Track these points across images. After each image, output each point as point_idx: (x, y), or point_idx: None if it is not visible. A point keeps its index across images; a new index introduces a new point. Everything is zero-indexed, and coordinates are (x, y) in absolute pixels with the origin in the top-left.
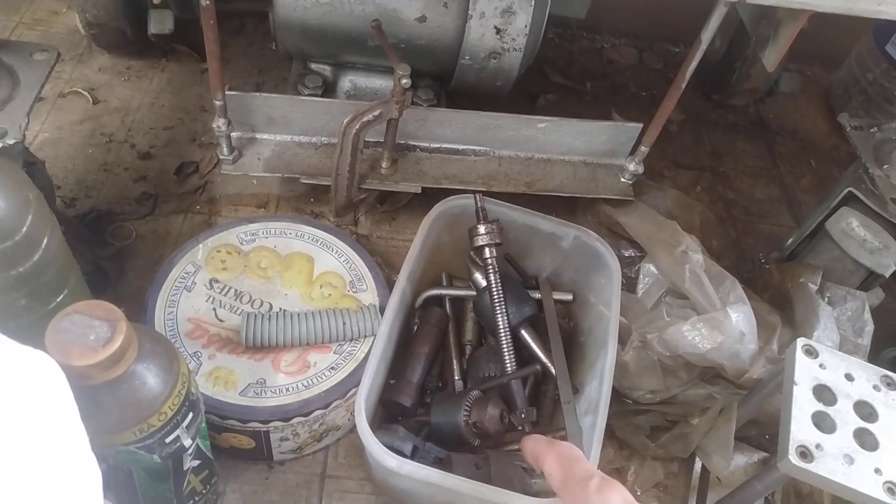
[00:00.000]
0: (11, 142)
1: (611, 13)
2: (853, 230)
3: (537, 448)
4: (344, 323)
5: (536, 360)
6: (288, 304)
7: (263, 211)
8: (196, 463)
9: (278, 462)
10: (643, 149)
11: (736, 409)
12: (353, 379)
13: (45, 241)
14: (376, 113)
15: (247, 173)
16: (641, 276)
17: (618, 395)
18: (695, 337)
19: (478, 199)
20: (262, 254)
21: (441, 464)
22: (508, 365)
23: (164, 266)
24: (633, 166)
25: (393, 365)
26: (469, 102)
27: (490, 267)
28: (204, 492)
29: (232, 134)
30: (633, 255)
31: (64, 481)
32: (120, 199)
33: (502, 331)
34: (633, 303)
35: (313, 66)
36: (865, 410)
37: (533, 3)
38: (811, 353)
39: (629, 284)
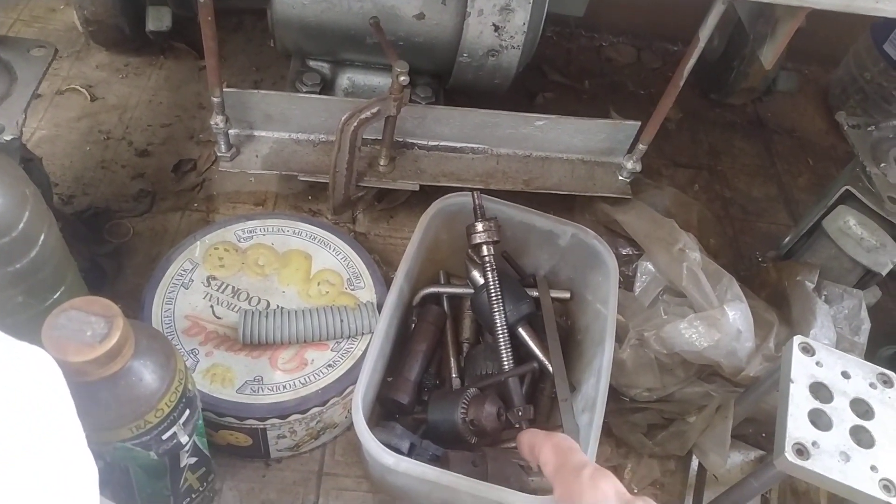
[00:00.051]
0: (8, 138)
1: (609, 11)
2: (850, 228)
3: (534, 439)
4: (341, 320)
5: (534, 357)
6: (285, 301)
7: (261, 208)
8: (193, 460)
9: (275, 459)
10: (641, 147)
11: (733, 407)
12: (351, 376)
13: (42, 238)
14: (374, 110)
15: (245, 170)
16: (639, 274)
17: (615, 393)
18: (692, 335)
19: (475, 196)
20: (259, 251)
21: (438, 461)
22: (506, 363)
23: (162, 263)
24: (631, 164)
25: (390, 363)
26: (467, 100)
27: (488, 265)
28: (201, 489)
29: (230, 131)
30: (630, 253)
31: (60, 478)
32: (117, 196)
33: (500, 329)
34: (631, 301)
35: (311, 63)
36: (862, 408)
37: (531, 0)
38: (808, 350)
39: (627, 282)
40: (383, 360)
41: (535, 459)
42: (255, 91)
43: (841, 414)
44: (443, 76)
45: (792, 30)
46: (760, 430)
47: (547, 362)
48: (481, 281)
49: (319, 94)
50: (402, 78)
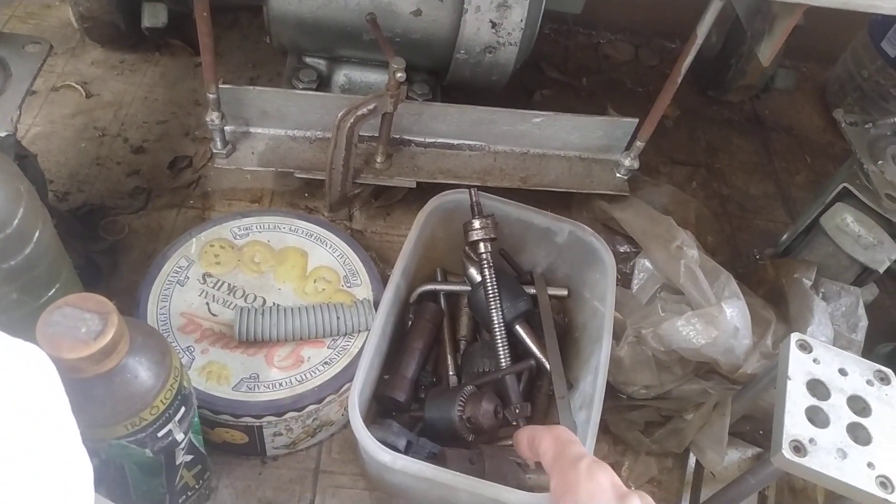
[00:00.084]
0: (3, 134)
1: (607, 9)
2: (848, 226)
3: (534, 432)
4: (338, 318)
5: (531, 355)
6: (281, 298)
7: (257, 205)
8: (189, 458)
9: (272, 457)
10: (638, 144)
11: (730, 405)
12: (347, 374)
13: (36, 235)
14: (371, 107)
15: (241, 167)
16: (636, 272)
17: (612, 391)
18: (689, 332)
19: (473, 194)
20: (255, 248)
21: (435, 459)
22: (503, 360)
23: (157, 260)
24: (629, 162)
25: (387, 360)
26: (464, 97)
27: (485, 262)
28: (196, 487)
29: (226, 128)
30: (628, 250)
31: (55, 476)
32: (113, 193)
33: (497, 326)
34: (628, 298)
35: (308, 60)
36: (859, 405)
37: None
38: (805, 348)
39: (624, 280)
40: (380, 358)
41: (534, 453)
42: (252, 87)
43: (838, 411)
44: (440, 73)
45: (789, 27)
46: (758, 428)
47: (544, 360)
48: (478, 278)
49: (316, 90)
50: (398, 75)
